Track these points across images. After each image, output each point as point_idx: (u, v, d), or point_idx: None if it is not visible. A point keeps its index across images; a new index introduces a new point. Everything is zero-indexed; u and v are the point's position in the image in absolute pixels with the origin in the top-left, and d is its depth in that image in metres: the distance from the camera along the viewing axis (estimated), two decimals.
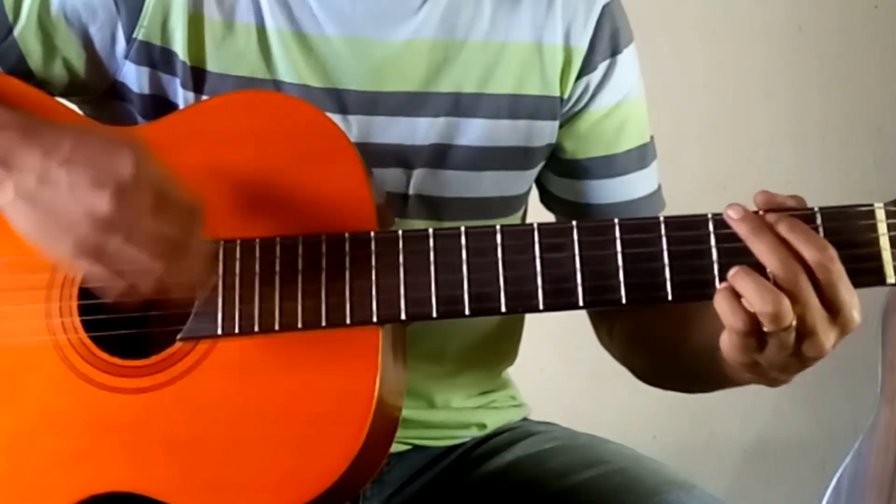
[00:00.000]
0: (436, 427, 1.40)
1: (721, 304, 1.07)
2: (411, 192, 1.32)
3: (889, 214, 1.10)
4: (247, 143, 1.19)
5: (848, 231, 1.10)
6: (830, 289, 1.07)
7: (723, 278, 1.08)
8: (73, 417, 1.16)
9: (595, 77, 1.36)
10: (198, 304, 1.15)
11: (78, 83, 1.30)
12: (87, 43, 1.28)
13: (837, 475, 2.25)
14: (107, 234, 1.04)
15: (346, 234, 1.15)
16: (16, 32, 1.27)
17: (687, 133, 2.58)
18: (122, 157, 1.05)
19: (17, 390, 1.18)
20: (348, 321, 1.13)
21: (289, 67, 1.28)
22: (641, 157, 1.40)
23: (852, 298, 1.07)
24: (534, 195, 1.45)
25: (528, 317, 1.44)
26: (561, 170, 1.39)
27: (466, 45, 1.32)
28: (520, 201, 1.40)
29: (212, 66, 1.28)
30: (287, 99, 1.25)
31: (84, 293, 1.18)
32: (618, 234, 1.12)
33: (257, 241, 1.16)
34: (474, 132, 1.32)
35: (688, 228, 1.11)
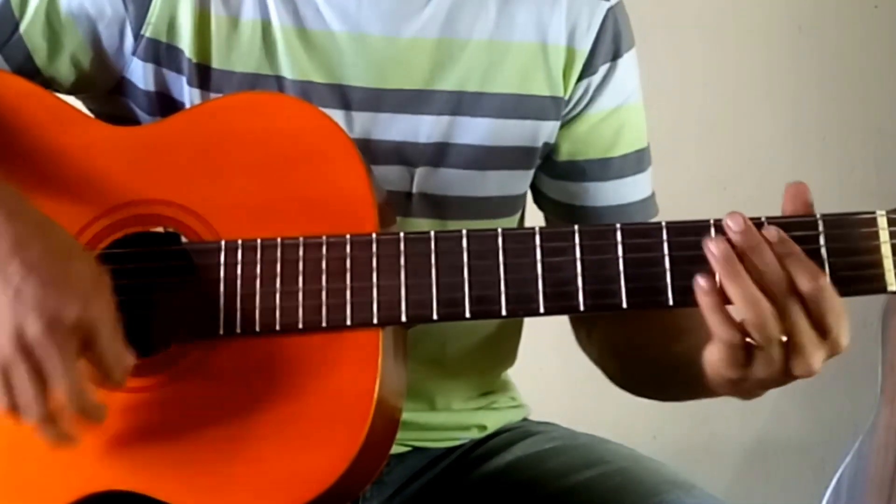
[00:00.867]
0: (436, 429, 1.40)
1: (709, 313, 1.07)
2: (415, 190, 1.32)
3: (891, 222, 1.10)
4: (249, 144, 1.19)
5: (850, 238, 1.10)
6: (819, 314, 1.07)
7: None
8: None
9: (595, 79, 1.36)
10: (199, 304, 1.15)
11: (85, 80, 1.30)
12: (95, 40, 1.28)
13: (837, 475, 2.25)
14: (21, 355, 1.06)
15: (348, 236, 1.15)
16: (22, 30, 1.27)
17: (687, 133, 2.58)
18: (73, 299, 1.06)
19: None
20: (349, 322, 1.13)
21: (293, 64, 1.28)
22: (638, 161, 1.40)
23: (840, 323, 1.08)
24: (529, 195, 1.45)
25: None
26: (555, 172, 1.39)
27: (470, 44, 1.32)
28: (521, 201, 1.40)
29: (217, 62, 1.28)
30: (289, 100, 1.25)
31: None
32: (619, 238, 1.12)
33: (259, 241, 1.16)
34: (478, 131, 1.32)
35: (689, 234, 1.11)
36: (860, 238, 1.10)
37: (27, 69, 1.27)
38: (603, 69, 1.36)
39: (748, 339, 1.08)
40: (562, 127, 1.37)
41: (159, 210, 1.18)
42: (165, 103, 1.29)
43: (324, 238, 1.15)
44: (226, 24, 1.28)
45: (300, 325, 1.14)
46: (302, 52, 1.28)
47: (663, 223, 1.12)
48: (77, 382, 1.08)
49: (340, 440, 1.11)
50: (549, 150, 1.38)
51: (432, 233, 1.15)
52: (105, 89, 1.31)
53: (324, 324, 1.14)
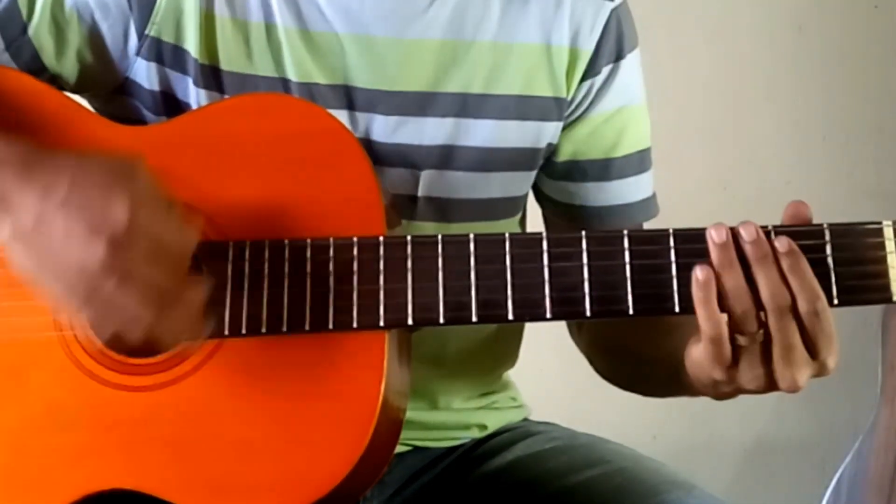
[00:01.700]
0: (436, 428, 1.40)
1: (699, 306, 1.08)
2: (420, 193, 1.32)
3: None
4: (257, 146, 1.19)
5: (856, 248, 1.10)
6: (813, 335, 1.08)
7: None
8: (76, 414, 1.16)
9: (598, 80, 1.36)
10: (206, 303, 1.15)
11: (89, 79, 1.30)
12: (100, 39, 1.28)
13: (837, 475, 2.26)
14: (98, 281, 1.04)
15: (355, 238, 1.15)
16: (30, 30, 1.27)
17: (687, 133, 2.58)
18: (118, 204, 1.04)
19: (22, 385, 1.17)
20: (355, 325, 1.13)
21: (297, 66, 1.28)
22: (640, 161, 1.40)
23: (830, 347, 1.09)
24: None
25: None
26: (556, 172, 1.39)
27: (474, 46, 1.32)
28: (523, 201, 1.41)
29: (224, 64, 1.28)
30: (297, 102, 1.25)
31: None
32: (626, 245, 1.12)
33: (266, 242, 1.16)
34: (482, 133, 1.32)
35: (697, 241, 1.11)
36: (866, 248, 1.10)
37: (34, 67, 1.27)
38: (606, 70, 1.36)
39: (735, 336, 1.09)
40: (564, 128, 1.37)
41: None
42: (170, 103, 1.29)
43: (331, 240, 1.15)
44: (231, 26, 1.28)
45: (306, 327, 1.14)
46: (306, 53, 1.29)
47: (670, 230, 1.12)
48: (162, 273, 1.05)
49: (345, 442, 1.11)
50: (551, 151, 1.38)
51: (439, 236, 1.15)
52: (110, 88, 1.31)
53: (330, 325, 1.14)
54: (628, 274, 1.11)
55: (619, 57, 1.36)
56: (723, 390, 1.13)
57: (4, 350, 1.18)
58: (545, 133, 1.35)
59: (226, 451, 1.13)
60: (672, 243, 1.12)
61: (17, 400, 1.17)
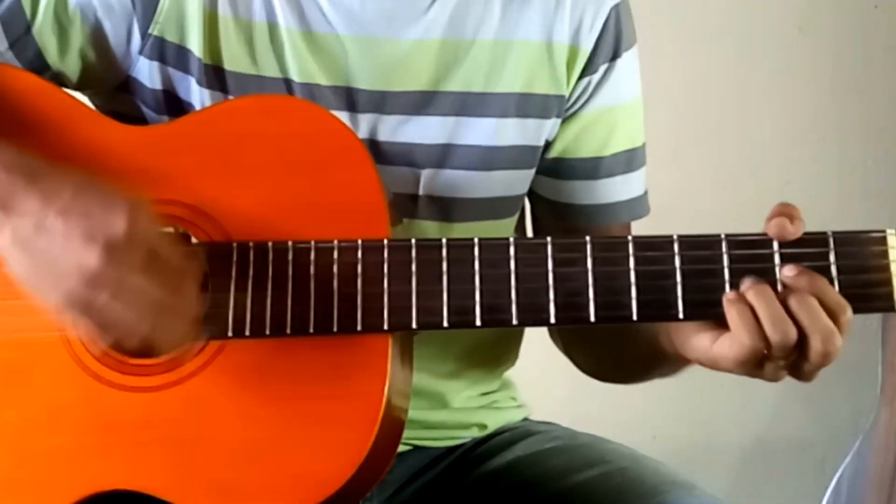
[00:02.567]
0: (437, 427, 1.40)
1: (735, 319, 1.09)
2: (421, 192, 1.32)
3: None
4: (261, 147, 1.20)
5: (859, 256, 1.11)
6: (830, 349, 1.10)
7: None
8: (79, 414, 1.16)
9: (595, 78, 1.36)
10: (209, 304, 1.15)
11: (92, 77, 1.31)
12: (103, 38, 1.28)
13: (837, 475, 2.26)
14: (95, 289, 1.05)
15: (359, 241, 1.15)
16: (34, 29, 1.27)
17: (687, 133, 2.58)
18: (117, 213, 1.05)
19: (25, 385, 1.18)
20: (359, 328, 1.14)
21: (299, 66, 1.29)
22: (628, 160, 1.40)
23: (837, 353, 1.11)
24: None
25: None
26: (545, 168, 1.39)
27: (475, 44, 1.32)
28: (521, 200, 1.41)
29: (227, 64, 1.28)
30: (301, 103, 1.25)
31: None
32: (631, 251, 1.12)
33: (270, 244, 1.16)
34: (483, 131, 1.32)
35: (701, 248, 1.12)
36: (870, 256, 1.11)
37: (37, 65, 1.28)
38: (602, 68, 1.36)
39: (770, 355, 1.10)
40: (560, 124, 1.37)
41: (170, 210, 1.18)
42: (172, 102, 1.30)
43: (335, 243, 1.15)
44: (234, 26, 1.28)
45: (310, 329, 1.14)
46: (308, 54, 1.29)
47: (675, 236, 1.13)
48: (157, 284, 1.06)
49: (349, 444, 1.11)
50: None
51: (444, 240, 1.15)
52: (112, 86, 1.32)
53: (334, 328, 1.14)
54: (633, 280, 1.12)
55: (615, 56, 1.36)
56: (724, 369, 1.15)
57: (7, 350, 1.18)
58: (545, 130, 1.36)
59: (229, 453, 1.13)
60: (677, 249, 1.12)
61: (19, 400, 1.18)
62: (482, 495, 1.37)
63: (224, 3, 1.28)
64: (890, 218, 1.13)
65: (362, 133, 1.29)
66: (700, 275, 1.11)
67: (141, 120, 1.32)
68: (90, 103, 1.33)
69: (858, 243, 1.11)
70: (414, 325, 1.13)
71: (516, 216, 1.40)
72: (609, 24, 1.35)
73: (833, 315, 1.09)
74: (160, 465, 1.14)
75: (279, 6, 1.29)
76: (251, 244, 1.16)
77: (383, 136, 1.30)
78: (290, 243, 1.16)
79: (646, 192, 1.43)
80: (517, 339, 1.47)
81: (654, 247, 1.13)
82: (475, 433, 1.43)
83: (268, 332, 1.14)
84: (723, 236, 1.12)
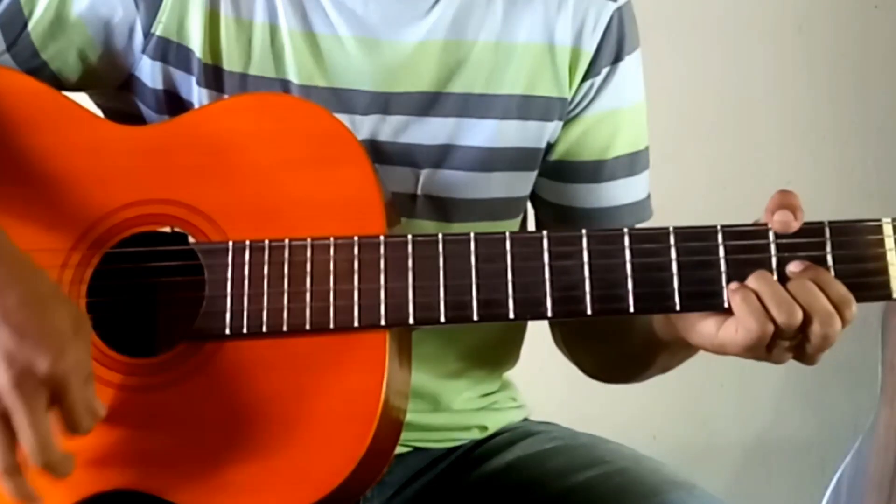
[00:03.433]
0: (437, 429, 1.40)
1: (740, 306, 1.10)
2: (420, 192, 1.32)
3: None
4: (258, 145, 1.20)
5: (856, 245, 1.12)
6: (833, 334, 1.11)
7: None
8: None
9: (598, 81, 1.36)
10: (207, 304, 1.15)
11: (92, 76, 1.31)
12: (105, 37, 1.28)
13: (837, 475, 2.25)
14: None
15: (356, 238, 1.15)
16: (30, 28, 1.27)
17: (687, 133, 2.58)
18: (46, 352, 1.05)
19: None
20: (356, 324, 1.14)
21: (298, 68, 1.29)
22: (631, 163, 1.40)
23: (836, 337, 1.12)
24: None
25: None
26: (547, 171, 1.39)
27: (477, 46, 1.32)
28: (524, 202, 1.40)
29: (226, 64, 1.28)
30: (299, 102, 1.25)
31: (93, 291, 1.18)
32: (627, 243, 1.12)
33: (267, 241, 1.16)
34: (484, 133, 1.32)
35: (697, 239, 1.12)
36: (866, 245, 1.11)
37: (34, 65, 1.28)
38: (604, 71, 1.36)
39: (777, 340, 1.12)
40: (562, 127, 1.37)
41: (167, 210, 1.19)
42: (173, 102, 1.29)
43: (332, 240, 1.15)
44: (234, 26, 1.28)
45: (307, 327, 1.14)
46: (308, 56, 1.29)
47: (671, 228, 1.13)
48: (44, 436, 1.06)
49: (347, 442, 1.11)
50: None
51: (440, 235, 1.15)
52: (113, 85, 1.32)
53: (331, 325, 1.14)
54: (629, 272, 1.12)
55: (617, 59, 1.36)
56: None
57: None
58: (546, 133, 1.35)
59: (227, 451, 1.13)
60: (673, 241, 1.12)
61: None
62: (482, 496, 1.37)
63: (226, 3, 1.28)
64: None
65: (364, 134, 1.29)
66: (696, 266, 1.12)
67: (140, 119, 1.32)
68: (90, 101, 1.33)
69: (854, 233, 1.12)
70: (411, 321, 1.14)
71: (518, 220, 1.40)
72: (612, 27, 1.35)
73: (838, 308, 1.10)
74: (159, 465, 1.14)
75: (282, 7, 1.29)
76: (247, 242, 1.16)
77: (385, 136, 1.30)
78: (286, 241, 1.16)
79: (649, 196, 1.43)
80: (518, 340, 1.47)
81: (650, 239, 1.13)
82: (475, 434, 1.43)
83: (265, 330, 1.14)
84: (718, 227, 1.12)
